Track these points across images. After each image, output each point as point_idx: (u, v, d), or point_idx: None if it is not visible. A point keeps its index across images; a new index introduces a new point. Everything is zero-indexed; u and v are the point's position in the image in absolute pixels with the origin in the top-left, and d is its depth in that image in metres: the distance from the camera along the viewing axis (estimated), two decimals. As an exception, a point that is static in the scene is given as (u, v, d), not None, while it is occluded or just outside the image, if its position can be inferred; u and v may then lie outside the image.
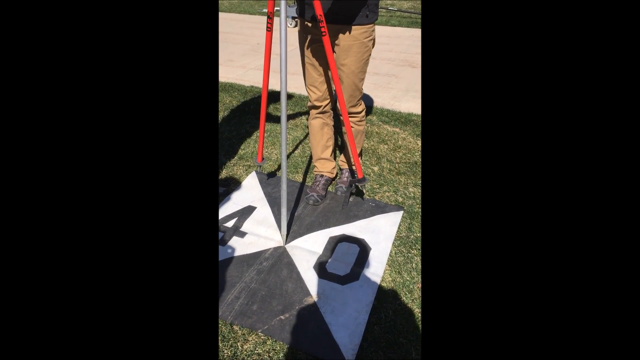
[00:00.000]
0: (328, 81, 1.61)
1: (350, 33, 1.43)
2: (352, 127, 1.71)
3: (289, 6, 1.34)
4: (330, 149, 1.83)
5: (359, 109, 1.69)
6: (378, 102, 2.85)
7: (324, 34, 1.30)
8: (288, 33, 1.22)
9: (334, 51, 1.50)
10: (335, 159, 1.95)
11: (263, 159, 1.76)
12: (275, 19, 2.65)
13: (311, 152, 1.89)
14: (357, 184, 1.74)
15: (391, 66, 3.60)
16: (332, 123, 1.79)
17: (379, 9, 5.54)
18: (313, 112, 1.73)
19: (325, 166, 1.86)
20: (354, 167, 1.85)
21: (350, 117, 1.68)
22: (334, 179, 1.93)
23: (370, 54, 1.53)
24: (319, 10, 1.25)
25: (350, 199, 1.83)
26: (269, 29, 1.34)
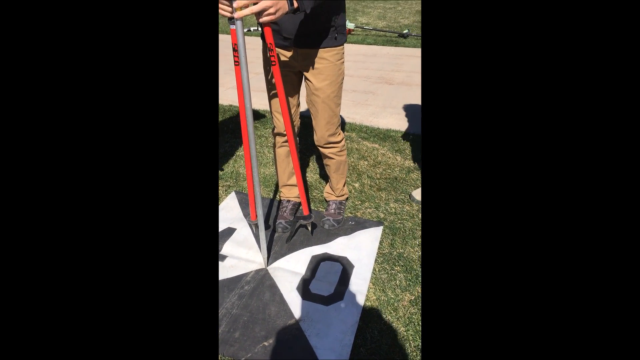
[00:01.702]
0: (295, 107, 1.54)
1: (321, 56, 1.41)
2: (332, 158, 1.65)
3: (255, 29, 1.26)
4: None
5: (339, 137, 1.60)
6: (357, 119, 2.88)
7: (273, 63, 1.25)
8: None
9: (307, 78, 1.47)
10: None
11: (257, 216, 1.55)
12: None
13: (277, 177, 1.82)
14: (301, 221, 1.62)
15: (368, 83, 3.66)
16: (298, 148, 1.73)
17: (357, 28, 5.68)
18: (279, 139, 1.67)
19: (291, 192, 1.83)
20: (339, 198, 1.81)
21: (330, 147, 1.62)
22: (300, 203, 1.89)
23: (343, 77, 1.50)
24: (269, 38, 1.20)
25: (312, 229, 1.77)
26: (237, 63, 1.20)
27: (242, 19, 1.12)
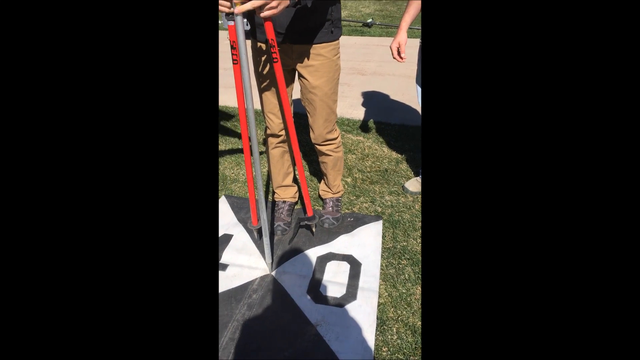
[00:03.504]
0: (288, 107, 1.48)
1: (317, 52, 1.34)
2: (330, 155, 1.61)
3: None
4: (291, 176, 1.75)
5: (335, 134, 1.57)
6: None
7: (275, 60, 1.19)
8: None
9: (302, 75, 1.41)
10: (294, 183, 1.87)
11: (258, 219, 1.51)
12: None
13: (271, 178, 1.76)
14: (306, 222, 1.62)
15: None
16: (291, 149, 1.67)
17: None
18: (272, 141, 1.60)
19: (287, 193, 1.78)
20: (335, 195, 1.78)
21: (327, 144, 1.58)
22: (296, 202, 1.85)
23: (339, 72, 1.45)
24: (270, 34, 1.13)
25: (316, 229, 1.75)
26: (236, 61, 1.13)
27: (242, 14, 1.04)
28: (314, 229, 1.69)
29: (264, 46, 1.36)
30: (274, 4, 1.02)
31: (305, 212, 1.60)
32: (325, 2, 1.27)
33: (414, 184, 1.94)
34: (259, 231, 1.61)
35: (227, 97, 3.15)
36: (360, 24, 5.35)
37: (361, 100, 3.07)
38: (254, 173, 1.33)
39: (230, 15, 1.05)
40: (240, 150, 2.34)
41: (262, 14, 1.04)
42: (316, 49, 1.34)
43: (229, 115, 2.82)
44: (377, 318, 1.31)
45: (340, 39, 1.40)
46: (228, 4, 1.03)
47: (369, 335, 1.25)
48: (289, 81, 1.46)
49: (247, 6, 1.01)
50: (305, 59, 1.36)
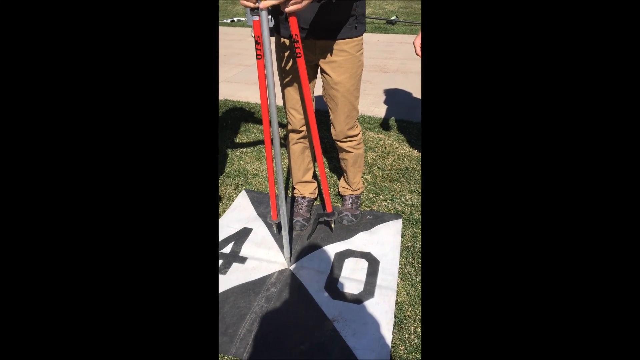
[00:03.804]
0: (310, 103, 1.48)
1: (340, 48, 1.34)
2: (350, 152, 1.61)
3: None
4: (311, 171, 1.75)
5: (356, 131, 1.56)
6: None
7: (298, 55, 1.19)
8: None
9: (324, 71, 1.40)
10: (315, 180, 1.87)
11: (278, 214, 1.54)
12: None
13: (292, 173, 1.76)
14: (325, 218, 1.62)
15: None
16: (312, 145, 1.67)
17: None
18: (293, 136, 1.60)
19: (306, 188, 1.78)
20: (354, 192, 1.77)
21: (348, 141, 1.57)
22: (316, 198, 1.85)
23: (362, 68, 1.44)
24: (294, 29, 1.13)
25: (334, 225, 1.73)
26: (259, 56, 1.14)
27: (266, 9, 1.05)
28: (332, 225, 1.69)
29: (287, 42, 1.36)
30: None
31: (324, 208, 1.61)
32: None
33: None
34: (278, 226, 1.62)
35: (249, 93, 3.19)
36: (384, 21, 5.30)
37: (383, 97, 3.04)
38: (274, 168, 1.34)
39: (255, 11, 1.06)
40: (262, 145, 2.37)
41: (287, 9, 1.05)
42: (339, 45, 1.34)
43: (251, 111, 2.85)
44: (395, 316, 1.30)
45: (363, 35, 1.39)
46: None
47: (386, 333, 1.24)
48: (312, 77, 1.46)
49: (272, 1, 1.02)
50: (328, 55, 1.36)
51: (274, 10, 1.29)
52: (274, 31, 1.40)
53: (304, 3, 1.05)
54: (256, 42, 1.13)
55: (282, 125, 2.34)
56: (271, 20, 1.15)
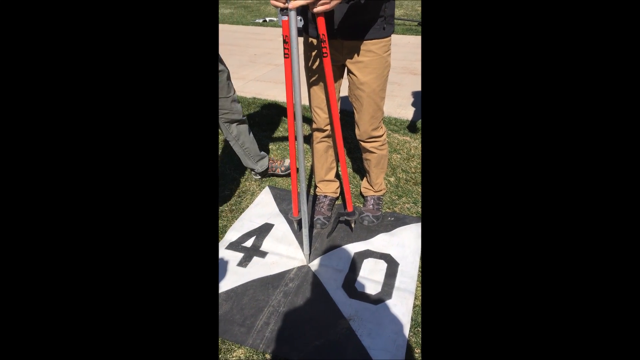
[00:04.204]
0: (335, 103, 1.48)
1: (367, 49, 1.34)
2: (374, 152, 1.61)
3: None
4: (334, 170, 1.76)
5: (381, 132, 1.56)
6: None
7: (325, 55, 1.20)
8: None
9: (351, 71, 1.41)
10: (338, 180, 1.87)
11: (299, 211, 1.56)
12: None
13: (314, 172, 1.78)
14: (345, 217, 1.63)
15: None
16: (335, 144, 1.68)
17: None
18: (318, 135, 1.62)
19: (328, 187, 1.79)
20: (377, 193, 1.77)
21: (372, 141, 1.57)
22: (337, 197, 1.86)
23: (389, 70, 1.43)
24: (322, 29, 1.15)
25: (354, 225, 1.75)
26: (287, 55, 1.18)
27: (295, 9, 1.07)
28: (353, 225, 1.69)
29: (315, 41, 1.38)
30: None
31: (345, 207, 1.61)
32: None
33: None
34: (299, 222, 1.64)
35: (277, 92, 3.23)
36: (416, 23, 5.24)
37: (411, 100, 3.01)
38: (297, 166, 1.36)
39: (284, 11, 1.09)
40: (287, 142, 2.40)
41: (315, 10, 1.07)
42: (367, 45, 1.34)
43: (278, 109, 2.89)
44: (412, 319, 1.29)
45: (392, 37, 1.39)
46: None
47: (402, 335, 1.24)
48: (337, 77, 1.47)
49: (301, 1, 1.04)
50: (355, 55, 1.36)
51: (303, 10, 1.31)
52: (303, 31, 1.42)
53: (333, 3, 1.06)
54: (284, 42, 1.16)
55: (306, 120, 2.36)
56: (300, 21, 1.17)
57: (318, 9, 1.06)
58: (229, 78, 1.70)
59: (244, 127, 1.86)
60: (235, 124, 1.81)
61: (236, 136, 1.84)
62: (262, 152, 1.98)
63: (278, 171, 2.04)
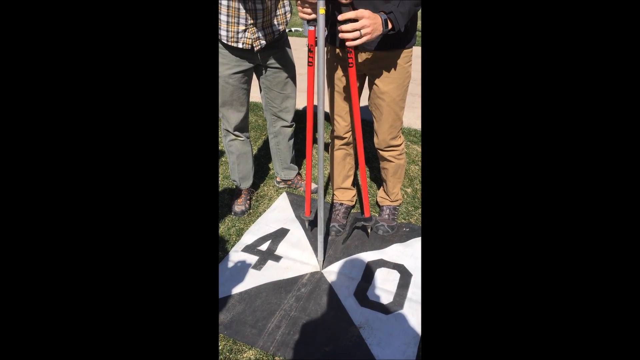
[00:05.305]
0: (358, 111, 1.49)
1: (390, 59, 1.37)
2: (391, 161, 1.62)
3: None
4: (351, 178, 1.78)
5: (399, 141, 1.58)
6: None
7: (350, 65, 1.23)
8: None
9: (372, 80, 1.44)
10: (355, 187, 1.88)
11: (311, 212, 1.60)
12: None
13: (332, 179, 1.80)
14: (362, 222, 1.65)
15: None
16: (354, 152, 1.71)
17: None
18: (337, 142, 1.65)
19: (345, 195, 1.81)
20: (393, 203, 1.78)
21: (390, 150, 1.59)
22: (353, 206, 1.87)
23: (410, 80, 1.46)
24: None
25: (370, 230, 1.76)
26: (311, 63, 1.23)
27: (323, 19, 1.11)
28: (369, 230, 1.70)
29: (340, 51, 1.41)
30: (368, 30, 1.05)
31: (362, 212, 1.63)
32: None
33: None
34: (310, 222, 1.66)
35: (299, 101, 3.28)
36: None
37: (431, 112, 3.00)
38: (316, 172, 1.38)
39: (311, 22, 1.12)
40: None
41: (351, 44, 1.08)
42: (388, 55, 1.37)
43: (299, 116, 2.93)
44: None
45: (414, 49, 1.41)
46: (309, 10, 1.10)
47: (412, 347, 1.23)
48: (359, 86, 1.50)
49: (350, 15, 1.05)
50: (377, 65, 1.39)
51: (330, 21, 1.35)
52: (327, 41, 1.46)
53: (373, 36, 1.08)
54: (309, 50, 1.19)
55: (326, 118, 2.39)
56: (326, 31, 1.20)
57: (353, 43, 1.08)
58: (289, 77, 1.70)
59: (287, 131, 1.88)
60: (280, 122, 1.84)
61: (276, 133, 1.88)
62: (294, 165, 2.02)
63: (301, 189, 2.06)
